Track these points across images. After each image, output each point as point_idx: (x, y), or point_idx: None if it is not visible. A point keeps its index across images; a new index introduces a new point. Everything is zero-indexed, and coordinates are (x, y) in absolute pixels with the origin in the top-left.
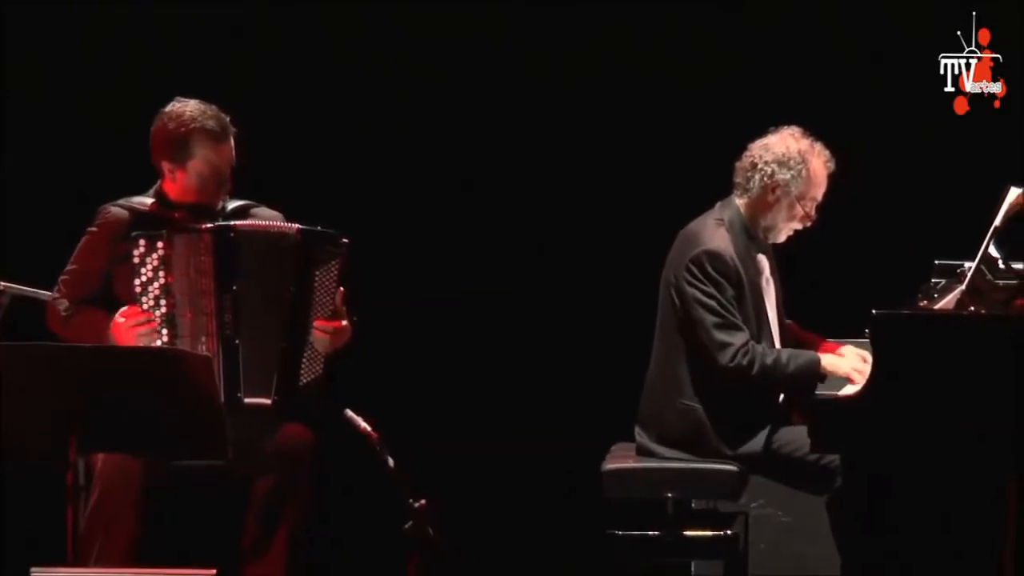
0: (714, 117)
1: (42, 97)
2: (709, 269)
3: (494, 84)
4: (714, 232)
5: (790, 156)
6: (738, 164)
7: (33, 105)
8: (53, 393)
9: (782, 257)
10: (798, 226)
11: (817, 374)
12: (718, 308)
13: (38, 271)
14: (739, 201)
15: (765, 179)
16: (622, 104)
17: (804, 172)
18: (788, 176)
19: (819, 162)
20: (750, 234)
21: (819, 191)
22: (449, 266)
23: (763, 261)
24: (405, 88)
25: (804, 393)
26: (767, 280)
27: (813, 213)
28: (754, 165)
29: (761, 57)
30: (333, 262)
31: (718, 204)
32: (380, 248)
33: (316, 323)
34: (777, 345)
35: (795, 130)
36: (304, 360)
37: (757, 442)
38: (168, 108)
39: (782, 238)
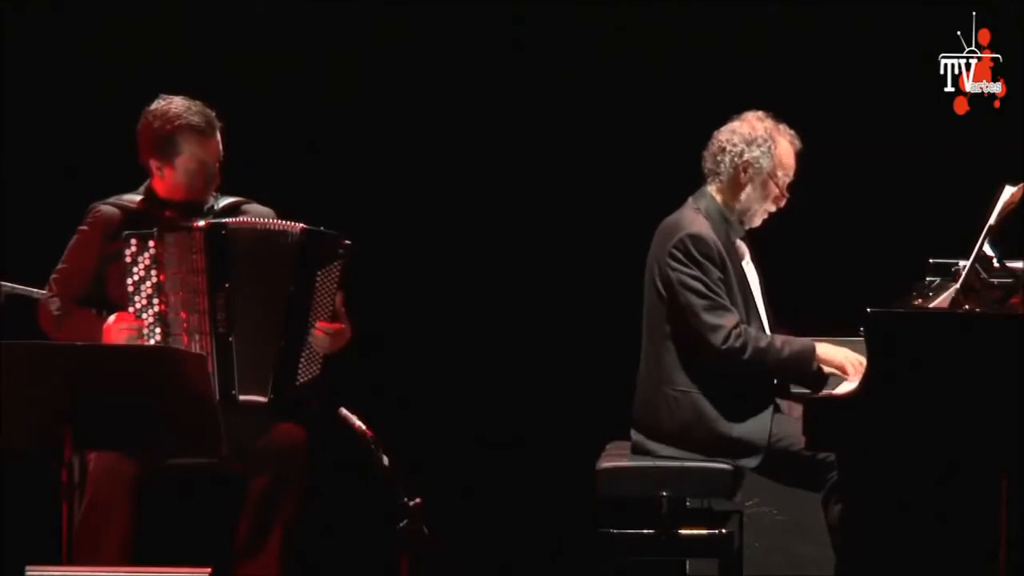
0: (712, 117)
1: (42, 97)
2: (693, 252)
3: (485, 86)
4: (694, 218)
5: (757, 135)
6: (705, 152)
7: (33, 105)
8: (48, 391)
9: (777, 255)
10: (772, 207)
11: (811, 362)
12: (705, 291)
13: (35, 270)
14: (711, 188)
15: (735, 159)
16: (617, 104)
17: (773, 148)
18: (758, 153)
19: (785, 140)
20: (727, 220)
21: (789, 168)
22: (443, 265)
23: (743, 247)
24: (398, 89)
25: (796, 381)
26: (748, 264)
27: (786, 192)
28: (722, 149)
29: (760, 57)
30: (335, 263)
31: (691, 197)
32: (374, 247)
33: (317, 324)
34: (766, 328)
35: (759, 113)
36: (302, 360)
37: (762, 426)
38: (153, 106)
39: (758, 221)
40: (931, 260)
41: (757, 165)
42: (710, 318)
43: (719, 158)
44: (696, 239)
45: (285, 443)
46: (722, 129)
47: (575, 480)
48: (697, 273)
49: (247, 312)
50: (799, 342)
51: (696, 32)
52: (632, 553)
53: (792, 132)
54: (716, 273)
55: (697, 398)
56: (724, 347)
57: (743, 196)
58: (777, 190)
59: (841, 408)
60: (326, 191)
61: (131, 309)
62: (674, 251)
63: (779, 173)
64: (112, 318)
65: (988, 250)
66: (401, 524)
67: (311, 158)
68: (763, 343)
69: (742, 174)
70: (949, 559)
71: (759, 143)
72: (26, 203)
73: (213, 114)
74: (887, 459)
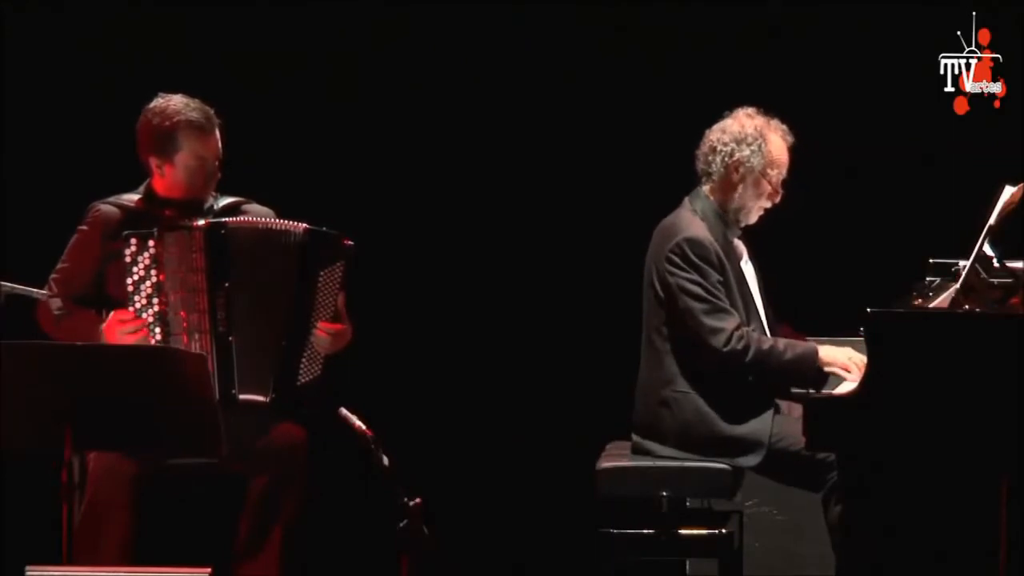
0: (712, 117)
1: (42, 97)
2: (691, 256)
3: (485, 86)
4: (691, 221)
5: (747, 133)
6: (697, 152)
7: (33, 105)
8: (48, 391)
9: (777, 254)
10: (767, 204)
11: (814, 365)
12: (704, 294)
13: (35, 270)
14: (705, 189)
15: (726, 159)
16: (617, 104)
17: (763, 146)
18: (748, 152)
19: (777, 135)
20: (724, 220)
21: (782, 164)
22: (443, 265)
23: (740, 246)
24: (398, 89)
25: (797, 384)
26: (746, 263)
27: (780, 188)
28: (713, 149)
29: (760, 57)
30: (338, 263)
31: (686, 198)
32: (374, 247)
33: (319, 324)
34: (766, 329)
35: (750, 110)
36: (303, 360)
37: (763, 426)
38: (152, 104)
39: (754, 218)
40: (931, 260)
41: (748, 164)
42: (711, 321)
43: (710, 158)
44: (693, 243)
45: (285, 443)
46: (713, 128)
47: (575, 480)
48: (696, 277)
49: (248, 312)
50: (802, 345)
51: (696, 32)
52: (632, 553)
53: (784, 127)
54: (715, 276)
55: (697, 399)
56: (726, 350)
57: (736, 195)
58: (770, 187)
59: (841, 408)
60: (326, 191)
61: (131, 308)
62: (671, 255)
63: (771, 171)
64: (110, 316)
65: (988, 250)
66: (401, 524)
67: (311, 158)
68: (765, 345)
69: (734, 173)
70: (949, 559)
71: (749, 141)
72: (26, 203)
73: (212, 111)
74: (887, 459)
